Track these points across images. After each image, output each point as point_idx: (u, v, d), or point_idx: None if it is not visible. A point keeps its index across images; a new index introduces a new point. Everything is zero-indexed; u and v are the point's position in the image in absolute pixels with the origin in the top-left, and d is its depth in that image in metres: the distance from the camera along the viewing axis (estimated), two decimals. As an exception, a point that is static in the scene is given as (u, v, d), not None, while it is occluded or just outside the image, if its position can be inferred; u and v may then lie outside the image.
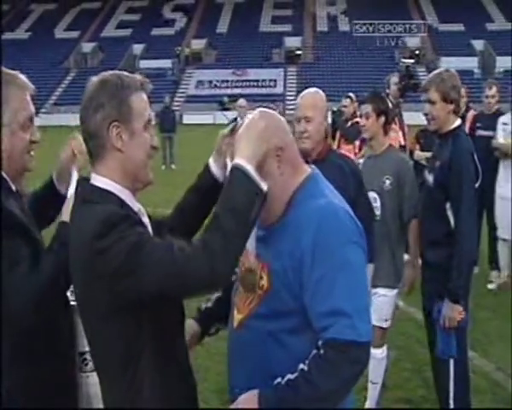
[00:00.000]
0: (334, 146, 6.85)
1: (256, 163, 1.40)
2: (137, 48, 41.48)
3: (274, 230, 1.54)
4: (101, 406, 1.56)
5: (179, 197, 1.78)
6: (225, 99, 35.31)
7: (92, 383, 1.73)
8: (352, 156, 4.36)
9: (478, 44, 38.23)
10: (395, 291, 3.40)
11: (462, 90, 3.55)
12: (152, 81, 38.20)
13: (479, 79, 29.16)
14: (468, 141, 3.00)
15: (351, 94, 8.21)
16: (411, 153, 6.56)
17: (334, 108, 7.60)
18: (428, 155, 6.56)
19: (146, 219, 1.52)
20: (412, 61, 36.85)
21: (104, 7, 47.13)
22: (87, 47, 42.64)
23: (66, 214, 1.68)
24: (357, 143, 7.80)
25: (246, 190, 1.35)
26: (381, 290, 3.32)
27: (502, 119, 5.47)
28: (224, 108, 33.97)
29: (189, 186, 1.76)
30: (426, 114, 3.01)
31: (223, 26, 44.14)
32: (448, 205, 2.91)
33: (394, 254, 3.34)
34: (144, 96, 1.47)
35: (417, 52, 38.86)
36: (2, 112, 1.58)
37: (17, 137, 1.62)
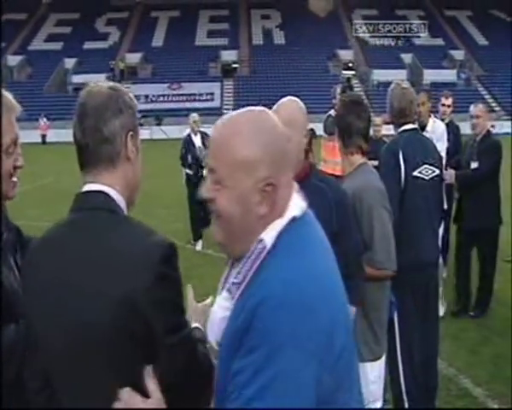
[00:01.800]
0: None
1: None
2: (69, 62, 40.31)
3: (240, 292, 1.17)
4: None
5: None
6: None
7: None
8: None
9: (406, 58, 40.11)
10: (375, 363, 2.54)
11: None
12: (85, 96, 37.15)
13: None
14: (398, 141, 3.23)
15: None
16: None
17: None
18: (375, 163, 6.71)
19: None
20: (353, 72, 38.13)
21: (31, 18, 45.48)
22: (13, 60, 40.83)
23: None
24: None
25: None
26: None
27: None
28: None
29: None
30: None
31: (158, 40, 43.75)
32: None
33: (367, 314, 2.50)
34: None
35: (351, 65, 40.23)
36: None
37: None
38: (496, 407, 3.59)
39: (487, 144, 5.05)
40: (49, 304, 1.27)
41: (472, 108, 5.15)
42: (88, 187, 1.32)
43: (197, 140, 8.31)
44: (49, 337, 1.29)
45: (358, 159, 2.55)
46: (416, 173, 3.10)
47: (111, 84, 1.40)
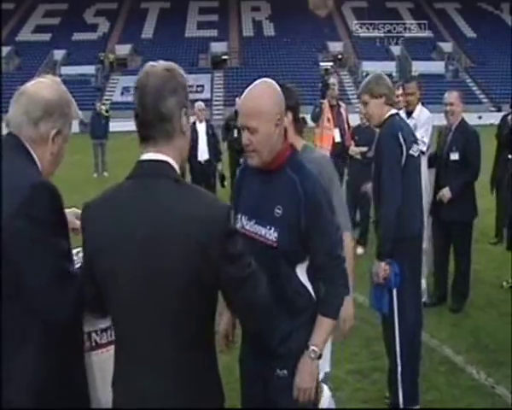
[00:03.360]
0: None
1: None
2: (58, 53, 39.95)
3: None
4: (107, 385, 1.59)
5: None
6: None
7: (96, 361, 1.71)
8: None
9: (395, 50, 40.38)
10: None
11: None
12: (75, 88, 37.01)
13: (397, 81, 30.74)
14: (394, 124, 3.32)
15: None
16: (348, 148, 6.98)
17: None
18: (364, 149, 6.97)
19: None
20: (331, 63, 38.33)
21: (18, 8, 44.98)
22: (0, 51, 40.45)
23: None
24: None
25: None
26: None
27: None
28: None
29: None
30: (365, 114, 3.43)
31: (148, 32, 43.54)
32: None
33: None
34: None
35: (340, 57, 40.42)
36: (63, 121, 1.74)
37: (64, 145, 1.77)
38: (474, 371, 3.88)
39: (468, 137, 4.89)
40: (128, 254, 1.46)
41: (446, 95, 4.98)
42: (150, 156, 1.52)
43: (201, 129, 7.93)
44: (126, 281, 1.47)
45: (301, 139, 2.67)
46: (411, 152, 3.32)
47: (166, 64, 1.56)
